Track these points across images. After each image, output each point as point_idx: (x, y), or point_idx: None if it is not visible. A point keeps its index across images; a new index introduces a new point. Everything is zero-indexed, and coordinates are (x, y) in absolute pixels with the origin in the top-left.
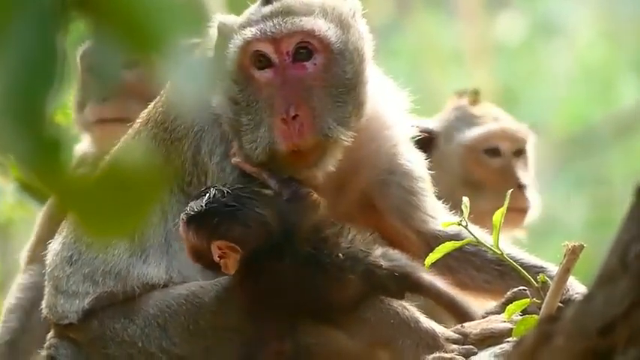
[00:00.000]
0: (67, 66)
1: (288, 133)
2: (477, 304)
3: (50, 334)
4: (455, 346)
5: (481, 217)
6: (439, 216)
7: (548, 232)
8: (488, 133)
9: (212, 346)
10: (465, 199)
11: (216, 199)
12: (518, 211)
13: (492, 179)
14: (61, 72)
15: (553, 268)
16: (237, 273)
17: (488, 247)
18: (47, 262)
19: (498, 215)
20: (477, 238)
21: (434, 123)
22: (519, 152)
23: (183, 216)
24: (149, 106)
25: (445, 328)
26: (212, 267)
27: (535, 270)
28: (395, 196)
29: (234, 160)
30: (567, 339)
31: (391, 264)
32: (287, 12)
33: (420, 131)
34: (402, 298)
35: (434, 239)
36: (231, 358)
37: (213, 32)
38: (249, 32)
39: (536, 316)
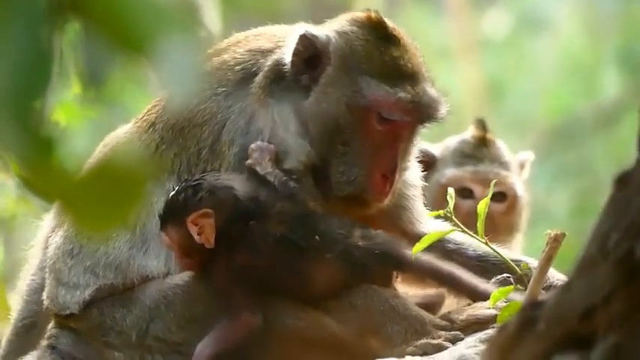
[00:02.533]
0: (63, 65)
1: (381, 188)
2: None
3: (51, 325)
4: (442, 332)
5: None
6: (425, 221)
7: (532, 221)
8: (462, 174)
9: (207, 332)
10: (451, 190)
11: (180, 186)
12: None
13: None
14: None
15: (533, 261)
16: (215, 245)
17: (473, 236)
18: (48, 255)
19: (482, 205)
20: (462, 228)
21: (438, 149)
22: (500, 197)
23: (157, 224)
24: (154, 99)
25: (433, 316)
26: (203, 258)
27: (516, 262)
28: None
29: (247, 162)
30: (549, 324)
31: (371, 243)
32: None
33: (423, 155)
34: (388, 278)
35: (418, 240)
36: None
37: (331, 52)
38: (394, 92)
39: (519, 303)
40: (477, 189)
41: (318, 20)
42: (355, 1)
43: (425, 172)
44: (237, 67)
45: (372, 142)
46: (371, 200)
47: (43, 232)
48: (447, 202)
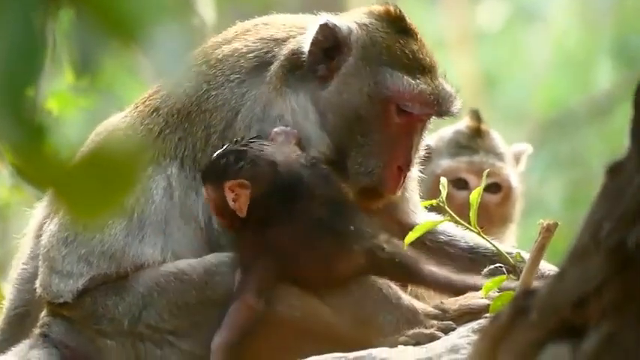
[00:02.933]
0: (56, 53)
1: (396, 181)
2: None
3: (44, 313)
4: (434, 322)
5: None
6: (420, 212)
7: (526, 211)
8: (457, 165)
9: (200, 321)
10: (443, 179)
11: (226, 149)
12: None
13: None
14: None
15: (524, 253)
16: (248, 216)
17: (465, 225)
18: (42, 243)
19: (475, 194)
20: (454, 217)
21: (432, 139)
22: (495, 188)
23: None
24: (156, 84)
25: (425, 305)
26: (235, 223)
27: (508, 253)
28: None
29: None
30: (542, 314)
31: (394, 250)
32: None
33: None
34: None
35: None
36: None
37: (355, 39)
38: (415, 83)
39: (512, 293)
40: (471, 180)
41: (308, 11)
42: None
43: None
44: (249, 55)
45: (390, 135)
46: (385, 192)
47: (35, 221)
48: (435, 195)
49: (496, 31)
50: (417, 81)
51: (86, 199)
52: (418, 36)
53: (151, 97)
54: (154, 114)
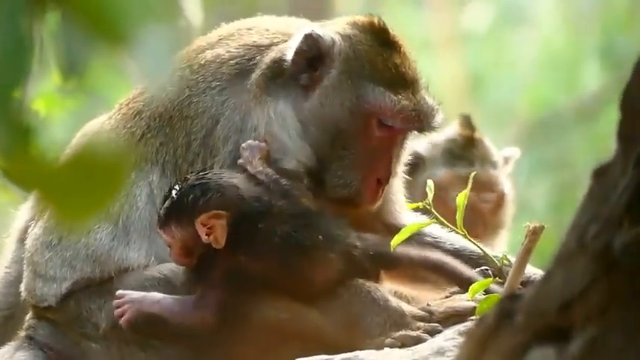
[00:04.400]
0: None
1: (374, 193)
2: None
3: (29, 315)
4: (421, 324)
5: None
6: (406, 212)
7: (513, 214)
8: (455, 176)
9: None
10: (430, 182)
11: (182, 187)
12: None
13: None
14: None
15: (510, 256)
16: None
17: (452, 228)
18: (26, 246)
19: (462, 197)
20: (440, 220)
21: (424, 147)
22: (489, 197)
23: (159, 222)
24: (140, 86)
25: (412, 307)
26: (204, 262)
27: (494, 256)
28: None
29: (239, 161)
30: (527, 317)
31: (365, 244)
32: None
33: (410, 154)
34: (377, 276)
35: (398, 231)
36: (203, 337)
37: (339, 50)
38: (397, 99)
39: (498, 295)
40: (454, 191)
41: (295, 12)
42: None
43: (411, 171)
44: (231, 62)
45: (370, 148)
46: (362, 204)
47: (18, 225)
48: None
49: (482, 32)
50: (399, 97)
51: (72, 201)
52: (401, 48)
53: (135, 100)
54: (137, 117)
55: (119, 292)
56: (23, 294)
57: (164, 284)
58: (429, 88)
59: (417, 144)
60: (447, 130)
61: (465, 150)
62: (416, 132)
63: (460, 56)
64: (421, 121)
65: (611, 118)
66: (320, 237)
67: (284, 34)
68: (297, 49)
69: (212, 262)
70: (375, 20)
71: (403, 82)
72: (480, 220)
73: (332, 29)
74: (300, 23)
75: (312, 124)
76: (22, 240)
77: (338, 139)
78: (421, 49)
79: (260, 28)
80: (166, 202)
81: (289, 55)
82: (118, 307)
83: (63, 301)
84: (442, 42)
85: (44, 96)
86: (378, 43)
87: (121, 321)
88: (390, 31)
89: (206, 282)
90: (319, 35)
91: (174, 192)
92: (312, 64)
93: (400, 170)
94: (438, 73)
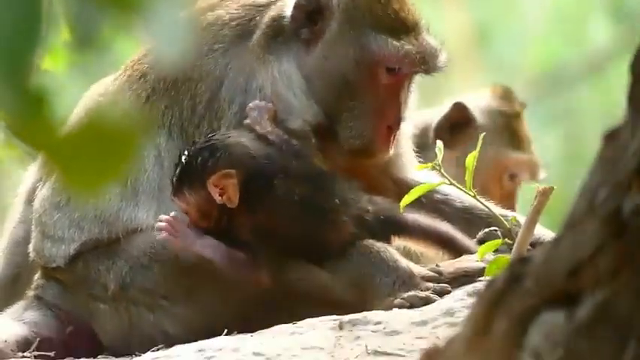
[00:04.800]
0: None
1: (387, 140)
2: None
3: (37, 275)
4: (430, 284)
5: None
6: (414, 167)
7: None
8: (526, 161)
9: (194, 285)
10: (439, 143)
11: (191, 152)
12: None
13: (499, 197)
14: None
15: (519, 216)
16: (239, 204)
17: (462, 189)
18: (35, 207)
19: (471, 158)
20: (450, 181)
21: (476, 108)
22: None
23: (172, 189)
24: (145, 47)
25: (422, 268)
26: (222, 218)
27: (503, 216)
28: None
29: (246, 121)
30: (536, 281)
31: (377, 208)
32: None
33: (462, 112)
34: (387, 240)
35: (408, 187)
36: (213, 298)
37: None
38: (400, 45)
39: (507, 256)
40: (523, 176)
41: None
42: None
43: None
44: (232, 23)
45: (379, 96)
46: (376, 152)
47: (25, 185)
48: (500, 183)
49: None
50: (402, 42)
51: (85, 169)
52: None
53: (140, 61)
54: (142, 79)
55: (170, 215)
56: (32, 254)
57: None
58: (430, 30)
59: (467, 101)
60: (490, 99)
61: (523, 136)
62: (422, 74)
63: (466, 8)
64: (426, 62)
65: (619, 70)
66: (336, 200)
67: None
68: (295, 3)
69: (235, 223)
70: None
71: (404, 27)
72: (512, 202)
73: None
74: None
75: (317, 79)
76: (29, 201)
77: (345, 90)
78: (426, 1)
79: None
80: (177, 169)
81: (288, 11)
82: (165, 230)
83: (71, 262)
84: None
85: (52, 52)
86: None
87: (162, 237)
88: None
89: (243, 244)
90: None
91: (183, 158)
92: (312, 17)
93: (409, 130)
94: (444, 26)
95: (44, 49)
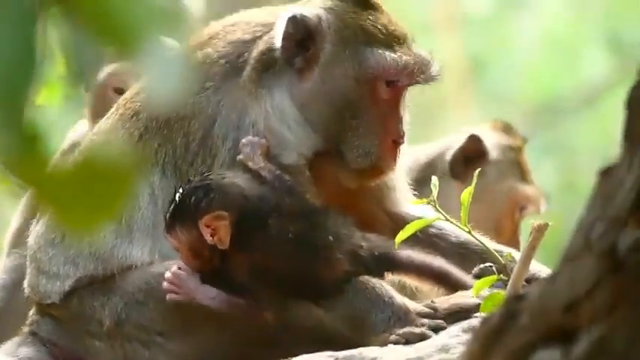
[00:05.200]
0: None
1: (393, 155)
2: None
3: (32, 311)
4: (425, 320)
5: None
6: (409, 200)
7: None
8: (535, 193)
9: (190, 322)
10: (435, 179)
11: (185, 190)
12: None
13: (510, 231)
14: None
15: (514, 251)
16: (231, 245)
17: (457, 225)
18: (29, 244)
19: (466, 194)
20: (445, 217)
21: (488, 140)
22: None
23: (164, 226)
24: (137, 85)
25: (417, 304)
26: (214, 259)
27: (498, 252)
28: None
29: (239, 157)
30: (533, 317)
31: (370, 244)
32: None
33: (477, 144)
34: (381, 277)
35: (403, 221)
36: (208, 335)
37: (324, 26)
38: (398, 57)
39: (503, 292)
40: (531, 208)
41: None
42: None
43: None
44: (221, 61)
45: (380, 111)
46: (385, 168)
47: (11, 229)
48: (513, 217)
49: (484, 15)
50: (399, 54)
51: (79, 207)
52: (382, 7)
53: (132, 100)
54: (134, 118)
55: (173, 270)
56: (26, 290)
57: None
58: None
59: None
60: (499, 136)
61: (526, 163)
62: (419, 84)
63: (461, 39)
64: (423, 72)
65: (614, 103)
66: (330, 237)
67: (264, 24)
68: (284, 34)
69: (229, 264)
70: None
71: (397, 39)
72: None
73: (312, 7)
74: (278, 10)
75: (315, 104)
76: (15, 245)
77: (346, 110)
78: (422, 32)
79: (242, 24)
80: (170, 207)
81: (278, 43)
82: (169, 283)
83: (66, 299)
84: (443, 24)
85: (48, 85)
86: (361, 8)
87: (169, 297)
88: None
89: (240, 286)
90: (303, 15)
91: (177, 195)
92: (303, 44)
93: (403, 162)
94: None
95: (39, 84)
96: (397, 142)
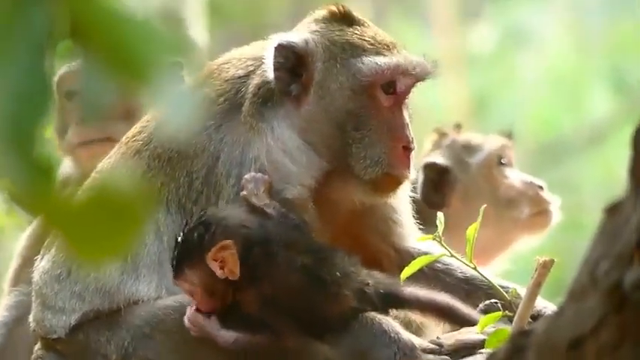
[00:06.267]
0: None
1: (406, 161)
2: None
3: (37, 346)
4: (431, 357)
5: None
6: (415, 234)
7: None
8: (498, 147)
9: (196, 355)
10: (440, 215)
11: (186, 230)
12: (542, 213)
13: (515, 189)
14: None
15: (518, 287)
16: (241, 276)
17: (462, 261)
18: (34, 280)
19: (472, 230)
20: (451, 253)
21: (440, 159)
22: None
23: (173, 273)
24: (139, 124)
25: (422, 340)
26: (227, 293)
27: (503, 288)
28: (380, 214)
29: (242, 193)
30: (538, 354)
31: (376, 282)
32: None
33: (434, 168)
34: (386, 313)
35: (409, 255)
36: None
37: (313, 46)
38: (388, 59)
39: (508, 329)
40: (509, 155)
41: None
42: None
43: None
44: (220, 99)
45: (383, 118)
46: (400, 176)
47: (12, 268)
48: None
49: (488, 53)
50: (389, 57)
51: (93, 241)
52: (368, 23)
53: (135, 139)
54: (136, 156)
55: (191, 313)
56: (32, 325)
57: (179, 312)
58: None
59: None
60: (435, 149)
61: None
62: (419, 82)
63: (465, 77)
64: (417, 69)
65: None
66: (337, 273)
67: (255, 58)
68: (275, 64)
69: (247, 298)
70: (334, 8)
71: (385, 46)
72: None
73: (297, 32)
74: (264, 43)
75: (316, 124)
76: (16, 283)
77: (349, 122)
78: None
79: (234, 60)
80: (174, 252)
81: (270, 74)
82: (191, 324)
83: (72, 333)
84: (447, 63)
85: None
86: (346, 25)
87: (193, 333)
88: (352, 12)
89: (261, 319)
90: (289, 42)
91: (179, 238)
92: (296, 71)
93: (408, 195)
94: (443, 95)
95: (49, 117)
96: (408, 147)
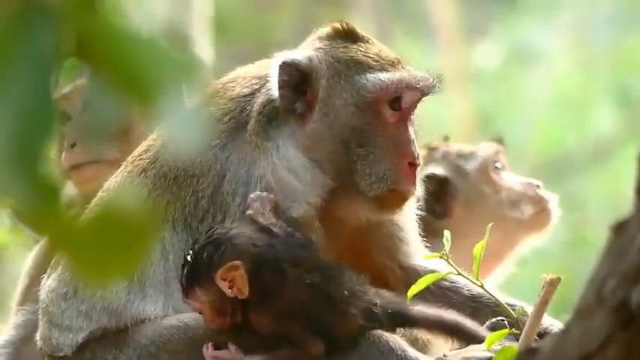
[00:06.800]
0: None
1: (412, 177)
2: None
3: None
4: None
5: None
6: (421, 252)
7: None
8: (492, 153)
9: None
10: (447, 233)
11: (194, 250)
12: (543, 211)
13: (515, 190)
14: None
15: (525, 305)
16: (251, 295)
17: (469, 279)
18: (41, 298)
19: (478, 248)
20: (458, 270)
21: (438, 170)
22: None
23: (182, 292)
24: (145, 142)
25: (429, 357)
26: (236, 312)
27: (510, 305)
28: (386, 231)
29: (248, 212)
30: None
31: (383, 301)
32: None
33: (434, 179)
34: (394, 331)
35: (415, 273)
36: None
37: (315, 63)
38: (392, 74)
39: (514, 346)
40: (503, 160)
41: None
42: None
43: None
44: (225, 118)
45: (388, 134)
46: (405, 192)
47: (19, 288)
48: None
49: (493, 70)
50: (394, 72)
51: (100, 260)
52: (372, 40)
53: (140, 157)
54: (142, 175)
55: (210, 353)
56: (39, 343)
57: (184, 331)
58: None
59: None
60: (430, 162)
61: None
62: (424, 96)
63: (470, 95)
64: (422, 83)
65: (624, 157)
66: (345, 292)
67: (259, 77)
68: (279, 82)
69: (259, 316)
70: (338, 25)
71: (389, 62)
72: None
73: (302, 50)
74: (269, 61)
75: (320, 141)
76: (23, 302)
77: (354, 139)
78: None
79: (239, 79)
80: (183, 270)
81: (275, 93)
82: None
83: (78, 351)
84: (452, 81)
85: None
86: (350, 42)
87: None
88: (356, 29)
89: (276, 335)
90: (293, 59)
91: (187, 257)
92: (300, 89)
93: (413, 211)
94: (448, 112)
95: (54, 136)
96: (413, 164)
